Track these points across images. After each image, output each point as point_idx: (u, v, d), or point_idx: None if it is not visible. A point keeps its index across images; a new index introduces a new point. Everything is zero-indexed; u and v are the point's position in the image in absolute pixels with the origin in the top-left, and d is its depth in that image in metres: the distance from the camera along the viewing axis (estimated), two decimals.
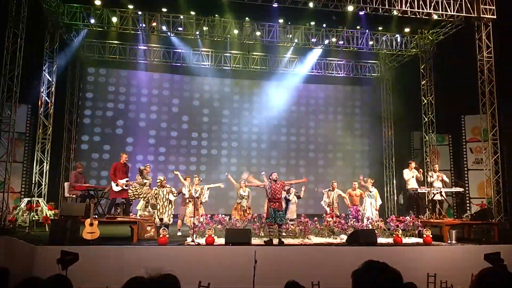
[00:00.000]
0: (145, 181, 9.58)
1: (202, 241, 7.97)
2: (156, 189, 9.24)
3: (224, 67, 14.88)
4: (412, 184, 10.72)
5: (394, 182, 15.35)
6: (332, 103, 16.22)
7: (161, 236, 7.61)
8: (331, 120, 16.19)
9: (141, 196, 9.42)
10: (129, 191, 9.20)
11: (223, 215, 9.02)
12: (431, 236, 8.35)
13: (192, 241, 7.87)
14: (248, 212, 9.92)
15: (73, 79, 13.91)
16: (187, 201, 9.50)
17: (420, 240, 8.59)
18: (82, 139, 14.17)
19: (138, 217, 8.96)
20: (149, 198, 9.30)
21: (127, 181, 9.23)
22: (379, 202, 10.41)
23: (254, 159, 15.31)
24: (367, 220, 9.56)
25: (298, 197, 10.25)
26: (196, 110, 15.17)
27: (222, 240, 7.91)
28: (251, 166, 14.83)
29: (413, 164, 10.93)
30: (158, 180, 9.37)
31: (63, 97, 13.30)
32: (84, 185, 9.56)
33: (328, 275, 6.62)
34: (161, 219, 8.98)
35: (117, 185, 9.06)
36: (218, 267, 7.02)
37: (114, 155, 13.22)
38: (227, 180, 10.52)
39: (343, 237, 8.81)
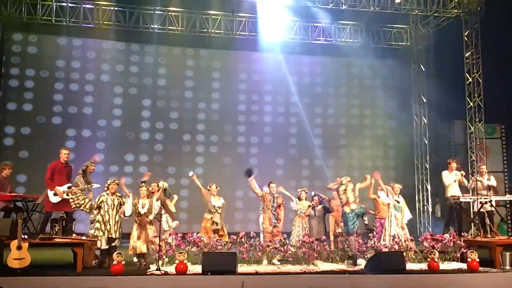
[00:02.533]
0: (94, 185, 9.49)
1: (171, 269, 7.95)
2: (103, 195, 8.93)
3: (200, 33, 14.82)
4: (453, 191, 10.80)
5: (429, 188, 15.49)
6: (344, 82, 16.26)
7: (114, 263, 7.58)
8: (343, 105, 16.22)
9: (86, 207, 9.32)
10: (71, 201, 9.08)
11: (199, 234, 9.01)
12: (477, 260, 8.43)
13: (157, 269, 7.85)
14: (222, 232, 9.59)
15: None
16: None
17: (464, 266, 8.67)
18: (5, 132, 14.03)
19: (83, 238, 8.90)
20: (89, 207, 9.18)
21: (69, 187, 9.11)
22: (408, 216, 10.48)
23: (240, 149, 15.41)
24: (393, 239, 9.62)
25: (327, 211, 10.28)
26: (161, 92, 15.11)
27: (198, 268, 7.90)
28: (237, 158, 15.07)
29: (454, 164, 11.02)
30: (106, 184, 9.11)
31: None
32: (9, 194, 9.46)
33: None
34: (110, 240, 8.75)
35: (55, 193, 8.95)
36: None
37: (51, 152, 13.06)
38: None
39: (361, 262, 8.86)
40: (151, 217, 8.96)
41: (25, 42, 14.46)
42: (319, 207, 10.02)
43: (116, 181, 8.98)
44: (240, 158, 15.30)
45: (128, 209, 8.91)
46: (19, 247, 7.42)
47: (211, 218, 9.66)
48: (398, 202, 10.31)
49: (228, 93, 15.56)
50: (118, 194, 8.97)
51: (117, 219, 8.80)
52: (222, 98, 15.48)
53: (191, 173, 10.26)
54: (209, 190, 9.91)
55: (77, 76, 14.66)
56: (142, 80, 15.04)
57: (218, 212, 9.72)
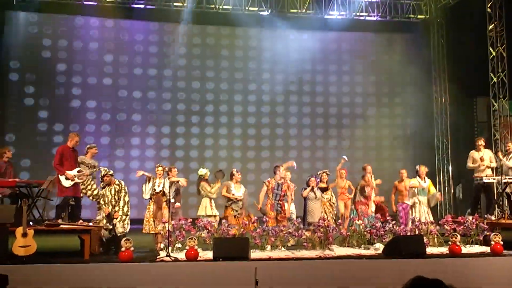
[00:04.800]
0: (100, 168, 9.60)
1: (181, 255, 8.01)
2: (101, 187, 9.13)
3: (207, 9, 14.76)
4: (480, 171, 10.71)
5: (450, 168, 15.40)
6: (360, 57, 16.11)
7: (122, 249, 7.65)
8: (359, 83, 16.12)
9: (94, 195, 9.50)
10: (82, 187, 9.24)
11: (210, 219, 9.05)
12: (501, 243, 8.40)
13: (167, 256, 7.91)
14: (247, 219, 9.66)
15: None
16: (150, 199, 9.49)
17: (487, 249, 8.65)
18: (7, 113, 14.09)
19: (90, 224, 8.98)
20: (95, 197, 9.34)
21: (79, 171, 9.22)
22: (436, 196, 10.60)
23: (251, 134, 15.43)
24: (412, 223, 9.62)
25: (324, 190, 10.38)
26: (168, 71, 15.10)
27: (209, 254, 7.95)
28: (248, 139, 15.10)
29: (481, 142, 10.91)
30: (101, 174, 9.18)
31: None
32: (13, 179, 9.55)
33: None
34: (110, 230, 8.88)
35: (66, 178, 9.05)
36: None
37: (56, 136, 13.22)
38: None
39: (379, 247, 8.86)
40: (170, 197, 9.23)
41: (26, 21, 14.43)
42: (317, 189, 10.13)
43: (110, 173, 9.10)
44: (251, 140, 15.32)
45: (147, 191, 9.32)
46: (24, 234, 7.51)
47: (230, 205, 9.85)
48: (423, 186, 10.41)
49: (232, 73, 15.53)
50: (116, 182, 9.11)
51: (120, 207, 8.92)
52: (222, 80, 15.44)
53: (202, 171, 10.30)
54: (233, 177, 10.00)
55: (80, 56, 14.64)
56: (148, 58, 15.04)
57: (239, 200, 9.89)
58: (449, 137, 15.55)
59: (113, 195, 9.00)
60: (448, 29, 15.69)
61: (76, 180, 9.13)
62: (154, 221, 9.15)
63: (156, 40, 15.22)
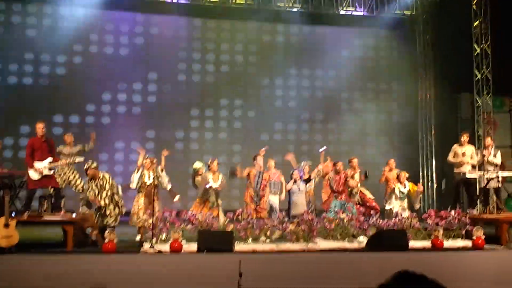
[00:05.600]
0: (77, 159, 9.47)
1: (165, 247, 7.99)
2: (86, 182, 8.94)
3: (192, 2, 14.66)
4: (462, 166, 10.80)
5: (434, 164, 15.51)
6: (345, 54, 16.11)
7: (106, 241, 7.62)
8: (344, 78, 16.10)
9: (78, 186, 9.37)
10: (57, 176, 9.13)
11: (194, 211, 9.03)
12: (483, 237, 8.49)
13: (150, 248, 7.90)
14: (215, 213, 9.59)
15: None
16: (137, 190, 9.46)
17: (469, 243, 8.74)
18: None
19: (73, 215, 8.93)
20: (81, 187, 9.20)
21: (51, 162, 9.11)
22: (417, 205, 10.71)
23: (237, 127, 15.40)
24: (395, 217, 9.68)
25: (307, 181, 10.41)
26: (152, 59, 14.96)
27: (193, 246, 7.94)
28: (233, 133, 15.19)
29: (465, 137, 11.00)
30: (85, 167, 8.96)
31: None
32: None
33: None
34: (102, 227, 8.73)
35: (35, 170, 8.96)
36: (188, 284, 7.07)
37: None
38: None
39: (362, 240, 8.92)
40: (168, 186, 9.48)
41: (8, 11, 14.22)
42: (300, 181, 10.18)
43: (93, 166, 8.88)
44: (237, 131, 15.30)
45: (135, 180, 9.34)
46: (6, 225, 7.46)
47: (205, 197, 9.78)
48: (403, 192, 10.46)
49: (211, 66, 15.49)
50: (100, 175, 8.90)
51: (108, 202, 8.79)
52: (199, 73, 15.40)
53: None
54: (209, 168, 9.96)
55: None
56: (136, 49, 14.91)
57: (215, 191, 9.84)
58: (433, 133, 15.64)
59: (99, 189, 8.82)
60: (434, 25, 15.75)
61: (46, 172, 8.99)
62: (143, 214, 9.07)
63: (141, 32, 15.07)
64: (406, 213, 10.10)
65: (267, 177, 10.11)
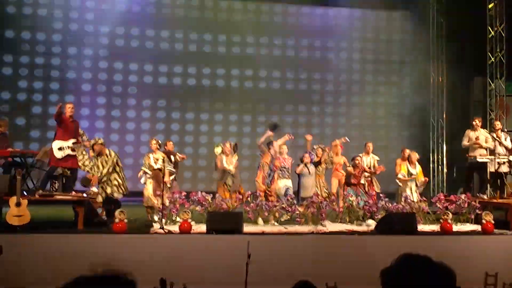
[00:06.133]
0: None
1: (174, 228, 8.06)
2: (91, 159, 9.06)
3: None
4: (474, 151, 10.72)
5: (445, 148, 15.44)
6: (356, 36, 15.98)
7: (116, 221, 7.68)
8: (357, 61, 16.02)
9: (87, 167, 9.45)
10: (79, 158, 9.21)
11: (204, 193, 9.07)
12: (492, 222, 8.46)
13: (160, 228, 7.96)
14: (239, 193, 9.68)
15: None
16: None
17: (478, 228, 8.73)
18: (1, 85, 13.97)
19: (84, 195, 9.00)
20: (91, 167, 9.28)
21: (74, 143, 9.15)
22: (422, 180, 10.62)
23: (247, 109, 15.39)
24: (405, 200, 9.66)
25: (317, 164, 10.38)
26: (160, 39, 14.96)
27: (202, 227, 8.00)
28: (243, 114, 15.11)
29: (478, 122, 10.91)
30: (91, 143, 9.12)
31: None
32: (7, 149, 9.52)
33: (348, 275, 6.74)
34: (109, 200, 8.90)
35: (59, 148, 8.99)
36: (197, 264, 7.14)
37: (51, 107, 13.08)
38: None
39: (371, 223, 8.93)
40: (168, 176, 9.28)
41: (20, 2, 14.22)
42: (311, 165, 10.16)
43: (100, 142, 9.03)
44: (247, 115, 15.29)
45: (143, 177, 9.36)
46: (18, 204, 7.53)
47: (222, 180, 9.80)
48: (412, 174, 10.40)
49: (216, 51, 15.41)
50: (107, 151, 9.07)
51: (113, 178, 8.88)
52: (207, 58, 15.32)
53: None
54: (222, 151, 9.98)
55: (75, 26, 14.46)
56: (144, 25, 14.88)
57: (230, 174, 9.84)
58: (444, 117, 15.54)
59: (102, 166, 8.95)
60: (448, 7, 15.54)
61: (68, 152, 9.03)
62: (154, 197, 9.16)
63: (154, 13, 15.03)
64: (416, 196, 10.09)
65: (278, 164, 10.10)
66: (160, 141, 9.74)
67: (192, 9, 15.33)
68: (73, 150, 9.06)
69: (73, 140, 9.15)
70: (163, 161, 9.28)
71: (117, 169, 9.10)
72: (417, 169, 10.51)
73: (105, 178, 8.95)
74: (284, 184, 10.22)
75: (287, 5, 15.65)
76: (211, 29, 15.24)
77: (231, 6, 15.51)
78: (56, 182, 9.17)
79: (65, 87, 14.14)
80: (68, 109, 9.24)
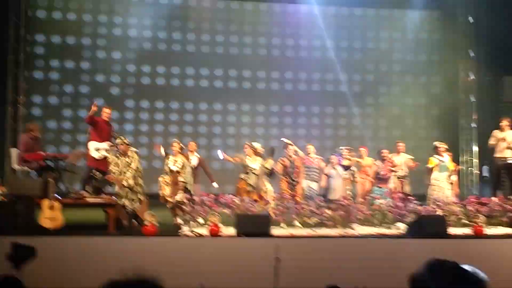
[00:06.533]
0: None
1: (203, 231, 8.11)
2: (114, 158, 8.70)
3: None
4: (503, 152, 10.56)
5: (473, 148, 15.21)
6: (384, 36, 15.81)
7: (146, 223, 7.77)
8: (384, 60, 15.85)
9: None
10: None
11: (232, 195, 9.11)
12: None
13: (189, 231, 8.02)
14: (255, 197, 9.38)
15: (18, 9, 13.77)
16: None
17: (511, 231, 8.58)
18: (34, 77, 14.10)
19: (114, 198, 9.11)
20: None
21: (111, 146, 9.27)
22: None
23: (274, 111, 15.38)
24: (434, 203, 9.56)
25: (347, 168, 10.34)
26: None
27: (231, 230, 8.04)
28: (270, 116, 15.15)
29: (506, 122, 10.74)
30: (117, 142, 8.87)
31: (4, 29, 13.20)
32: (40, 153, 9.71)
33: (377, 278, 6.70)
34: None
35: (96, 149, 9.10)
36: (226, 267, 7.17)
37: (83, 110, 13.25)
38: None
39: (401, 227, 8.85)
40: (181, 179, 9.05)
41: (51, 7, 14.47)
42: (339, 166, 10.10)
43: (126, 141, 8.82)
44: (274, 117, 15.29)
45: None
46: (51, 207, 7.67)
47: (245, 178, 9.73)
48: (442, 161, 10.33)
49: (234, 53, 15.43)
50: (129, 153, 8.75)
51: (132, 183, 8.54)
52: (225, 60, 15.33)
53: (220, 155, 10.37)
54: (244, 150, 9.97)
55: (104, 29, 14.66)
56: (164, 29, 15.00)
57: (253, 173, 9.68)
58: (474, 117, 15.31)
59: (125, 167, 8.60)
60: (477, 5, 15.30)
61: (104, 153, 9.17)
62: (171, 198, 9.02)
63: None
64: (449, 189, 9.96)
65: (300, 163, 10.06)
66: (181, 144, 9.55)
67: (219, 12, 15.40)
68: (106, 151, 9.18)
69: (109, 143, 9.31)
70: (183, 165, 9.15)
71: (140, 181, 8.72)
72: (446, 158, 10.42)
73: (129, 183, 8.57)
74: (307, 184, 10.18)
75: (320, 6, 15.53)
76: (239, 30, 15.30)
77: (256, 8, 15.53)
78: (88, 184, 9.34)
79: (95, 90, 14.30)
80: (104, 114, 9.44)
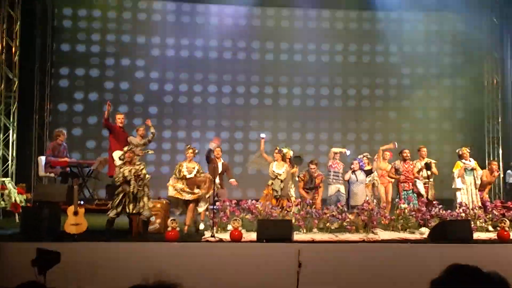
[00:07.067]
0: (150, 151, 9.70)
1: (225, 236, 8.14)
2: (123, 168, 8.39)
3: None
4: None
5: (500, 152, 14.99)
6: (407, 38, 15.69)
7: (169, 229, 7.82)
8: (407, 64, 15.71)
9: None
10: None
11: (254, 201, 9.12)
12: None
13: (211, 236, 8.06)
14: (283, 203, 9.44)
15: (44, 19, 14.07)
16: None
17: None
18: (59, 109, 14.30)
19: None
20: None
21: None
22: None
23: (294, 115, 15.37)
24: (460, 207, 9.44)
25: (368, 173, 10.30)
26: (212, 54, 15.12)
27: (253, 235, 8.06)
28: (293, 121, 15.16)
29: None
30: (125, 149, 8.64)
31: (31, 38, 13.48)
32: (65, 159, 9.87)
33: (400, 284, 6.65)
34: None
35: (120, 158, 9.19)
36: (248, 272, 7.19)
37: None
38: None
39: (424, 231, 8.76)
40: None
41: (75, 16, 14.73)
42: (360, 171, 10.03)
43: (133, 149, 8.65)
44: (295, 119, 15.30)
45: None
46: (75, 213, 7.78)
47: (271, 184, 9.74)
48: (470, 165, 10.25)
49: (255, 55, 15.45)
50: (137, 163, 8.51)
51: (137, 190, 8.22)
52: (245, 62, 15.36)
53: (263, 135, 10.34)
54: (274, 155, 9.98)
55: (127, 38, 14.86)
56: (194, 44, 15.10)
57: (278, 179, 9.65)
58: (500, 120, 15.09)
59: (131, 175, 8.21)
60: (501, 7, 15.11)
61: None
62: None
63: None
64: (474, 193, 9.93)
65: (320, 179, 10.04)
66: (196, 150, 9.34)
67: (254, 18, 15.48)
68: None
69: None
70: (198, 171, 8.96)
71: (146, 190, 8.45)
72: (472, 162, 10.32)
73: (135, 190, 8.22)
74: (336, 189, 10.16)
75: (337, 11, 15.55)
76: (261, 37, 15.37)
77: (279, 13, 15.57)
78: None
79: (118, 98, 14.48)
80: (118, 120, 9.52)
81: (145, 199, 8.28)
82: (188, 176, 8.82)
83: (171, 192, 8.80)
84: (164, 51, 14.89)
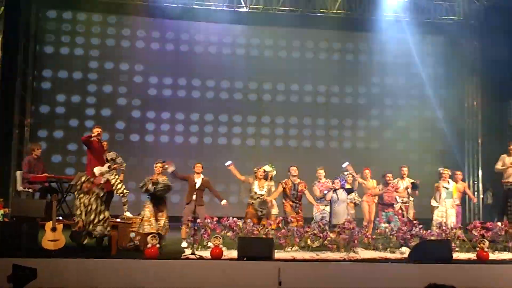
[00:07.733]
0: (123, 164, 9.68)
1: (205, 253, 8.09)
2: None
3: (237, 8, 14.81)
4: (510, 177, 10.54)
5: (480, 173, 15.16)
6: (389, 60, 15.87)
7: (148, 246, 7.75)
8: (389, 85, 15.90)
9: (120, 190, 9.54)
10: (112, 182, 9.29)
11: (235, 218, 9.09)
12: None
13: (192, 254, 8.00)
14: (264, 222, 9.41)
15: (26, 26, 14.01)
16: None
17: None
18: (40, 111, 14.34)
19: (118, 220, 9.12)
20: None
21: (109, 166, 9.31)
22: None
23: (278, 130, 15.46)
24: (439, 227, 9.51)
25: (350, 191, 10.31)
26: (198, 67, 15.15)
27: (233, 253, 8.01)
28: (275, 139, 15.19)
29: None
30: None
31: (13, 49, 13.36)
32: (43, 174, 9.75)
33: None
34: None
35: (101, 173, 9.12)
36: None
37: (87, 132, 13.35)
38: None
39: (405, 251, 8.80)
40: None
41: (59, 19, 14.70)
42: (341, 190, 10.04)
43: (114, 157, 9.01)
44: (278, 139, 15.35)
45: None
46: (53, 229, 7.69)
47: (252, 204, 9.73)
48: (447, 188, 10.31)
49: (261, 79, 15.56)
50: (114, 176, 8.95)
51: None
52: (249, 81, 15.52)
53: (228, 163, 10.28)
54: (255, 173, 9.94)
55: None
56: (180, 55, 15.13)
57: (260, 199, 9.67)
58: (479, 141, 15.30)
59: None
60: (482, 31, 15.41)
61: (108, 176, 9.20)
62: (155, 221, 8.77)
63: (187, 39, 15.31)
64: (453, 215, 10.02)
65: (303, 187, 10.03)
66: (165, 164, 9.22)
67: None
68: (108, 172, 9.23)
69: (108, 164, 9.35)
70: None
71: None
72: (451, 184, 10.42)
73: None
74: (323, 207, 10.12)
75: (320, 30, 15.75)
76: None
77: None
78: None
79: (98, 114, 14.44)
80: (96, 133, 9.42)
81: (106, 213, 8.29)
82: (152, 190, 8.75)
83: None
84: (148, 52, 14.92)
